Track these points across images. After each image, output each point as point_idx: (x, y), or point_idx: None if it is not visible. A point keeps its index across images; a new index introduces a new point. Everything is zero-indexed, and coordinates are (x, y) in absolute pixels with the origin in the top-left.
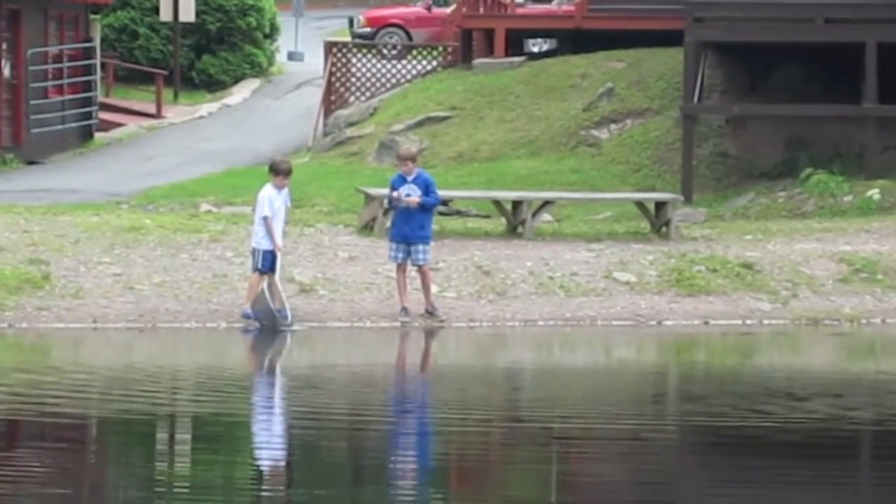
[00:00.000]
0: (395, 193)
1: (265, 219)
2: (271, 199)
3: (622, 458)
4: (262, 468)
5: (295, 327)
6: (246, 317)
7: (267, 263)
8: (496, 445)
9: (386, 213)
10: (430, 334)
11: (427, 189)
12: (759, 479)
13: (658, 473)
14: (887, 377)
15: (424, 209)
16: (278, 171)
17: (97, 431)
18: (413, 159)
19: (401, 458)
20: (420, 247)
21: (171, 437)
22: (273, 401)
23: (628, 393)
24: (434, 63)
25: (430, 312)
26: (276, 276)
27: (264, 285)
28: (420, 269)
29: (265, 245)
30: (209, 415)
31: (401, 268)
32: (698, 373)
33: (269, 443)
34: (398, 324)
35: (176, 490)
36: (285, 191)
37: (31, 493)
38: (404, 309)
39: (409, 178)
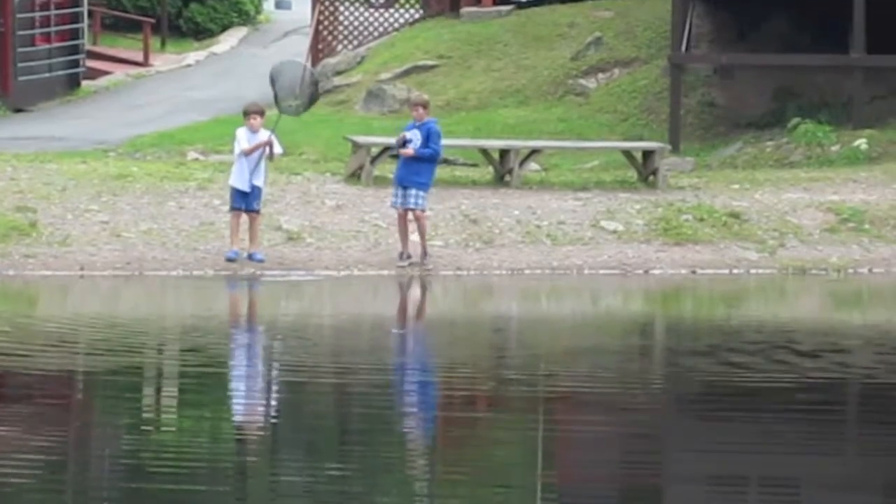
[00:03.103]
0: (400, 135)
1: (242, 153)
2: (240, 139)
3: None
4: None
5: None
6: (228, 259)
7: (236, 201)
8: (484, 399)
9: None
10: (414, 282)
11: (427, 138)
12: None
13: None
14: (875, 327)
15: (420, 158)
16: (245, 112)
17: (71, 383)
18: (423, 105)
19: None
20: (413, 191)
21: (158, 388)
22: (260, 350)
23: (619, 345)
24: (422, 11)
25: (420, 259)
26: (257, 219)
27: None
28: (414, 215)
29: (235, 182)
30: (195, 365)
31: (400, 215)
32: (687, 322)
33: (252, 395)
34: (385, 272)
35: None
36: (264, 133)
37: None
38: (401, 254)
39: (418, 125)
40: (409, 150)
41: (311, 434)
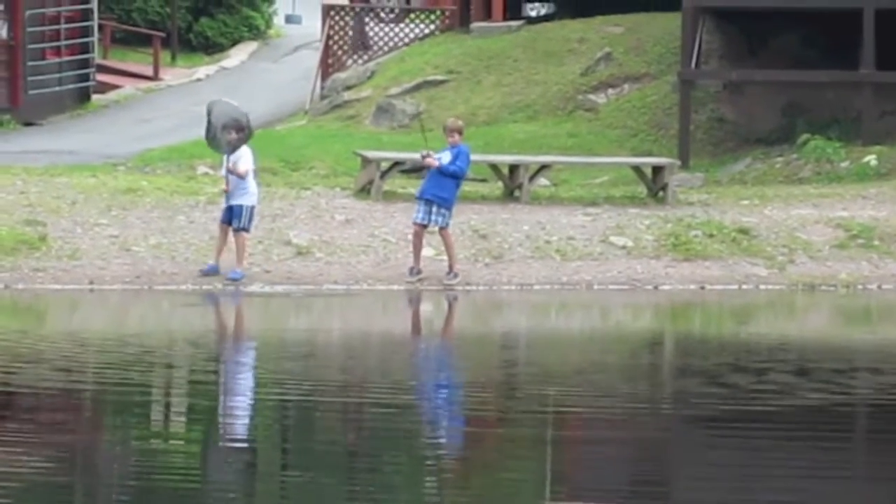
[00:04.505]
0: (424, 151)
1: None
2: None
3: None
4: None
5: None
6: (232, 279)
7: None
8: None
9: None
10: (419, 298)
11: (455, 157)
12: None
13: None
14: (885, 345)
15: (444, 173)
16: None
17: (63, 399)
18: (458, 132)
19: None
20: (435, 208)
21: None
22: (264, 366)
23: (628, 364)
24: (432, 27)
25: (445, 275)
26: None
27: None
28: (440, 233)
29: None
30: (202, 381)
31: (417, 231)
32: (695, 338)
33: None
34: (395, 287)
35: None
36: (242, 150)
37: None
38: (412, 269)
39: (450, 149)
40: (434, 161)
41: (315, 450)
